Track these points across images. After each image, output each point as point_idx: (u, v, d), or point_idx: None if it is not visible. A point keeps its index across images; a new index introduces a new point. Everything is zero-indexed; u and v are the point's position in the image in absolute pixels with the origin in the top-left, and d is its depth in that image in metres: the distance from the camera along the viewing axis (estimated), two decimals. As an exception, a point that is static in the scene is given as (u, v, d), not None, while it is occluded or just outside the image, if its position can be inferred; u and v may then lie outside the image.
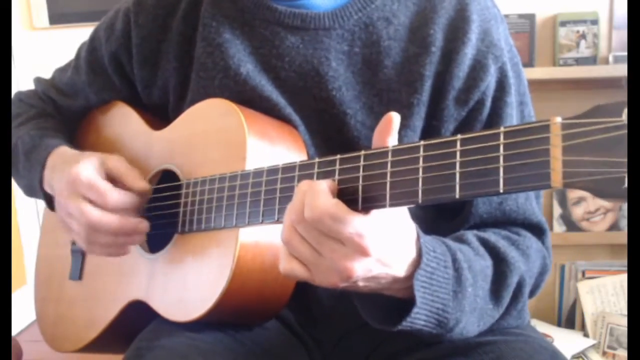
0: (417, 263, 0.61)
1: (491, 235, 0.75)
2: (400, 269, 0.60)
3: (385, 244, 0.58)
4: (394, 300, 0.64)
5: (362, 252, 0.56)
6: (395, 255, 0.59)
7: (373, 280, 0.60)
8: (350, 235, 0.56)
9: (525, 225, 0.80)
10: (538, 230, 0.81)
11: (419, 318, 0.63)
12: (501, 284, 0.71)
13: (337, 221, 0.55)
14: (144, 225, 0.80)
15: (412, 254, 0.61)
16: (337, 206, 0.56)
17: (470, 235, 0.73)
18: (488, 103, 0.79)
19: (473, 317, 0.68)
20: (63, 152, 0.89)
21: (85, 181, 0.78)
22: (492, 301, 0.71)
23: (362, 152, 0.60)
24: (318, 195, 0.56)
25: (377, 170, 0.58)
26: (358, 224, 0.56)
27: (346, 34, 0.79)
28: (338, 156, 0.63)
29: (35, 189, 0.91)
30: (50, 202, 0.89)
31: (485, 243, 0.73)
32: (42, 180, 0.89)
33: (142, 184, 0.82)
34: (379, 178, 0.58)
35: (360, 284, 0.60)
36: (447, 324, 0.65)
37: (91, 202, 0.78)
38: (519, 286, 0.74)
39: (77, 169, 0.79)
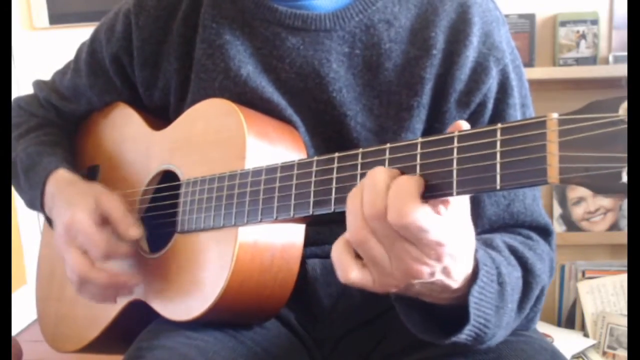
0: (471, 278, 0.60)
1: (515, 242, 0.74)
2: (457, 282, 0.58)
3: (456, 256, 0.56)
4: (436, 308, 0.63)
5: (437, 258, 0.54)
6: (459, 268, 0.58)
7: (427, 286, 0.58)
8: (430, 243, 0.53)
9: (532, 227, 0.80)
10: (545, 232, 0.81)
11: (464, 333, 0.62)
12: (526, 296, 0.71)
13: (424, 231, 0.52)
14: (133, 282, 0.81)
15: (469, 268, 0.60)
16: (426, 216, 0.52)
17: (499, 241, 0.72)
18: (490, 105, 0.79)
19: (504, 330, 0.68)
20: (61, 178, 0.89)
21: (80, 230, 0.79)
22: (517, 312, 0.70)
23: (360, 150, 0.60)
24: (408, 201, 0.52)
25: (374, 167, 0.58)
26: (442, 233, 0.53)
27: (347, 36, 0.79)
28: (336, 154, 0.63)
29: (37, 209, 0.92)
30: (51, 223, 0.91)
31: (514, 251, 0.72)
32: (44, 205, 0.90)
33: (134, 233, 0.81)
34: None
35: (415, 287, 0.58)
36: (484, 338, 0.64)
37: (85, 251, 0.80)
38: (539, 296, 0.74)
39: (72, 216, 0.80)
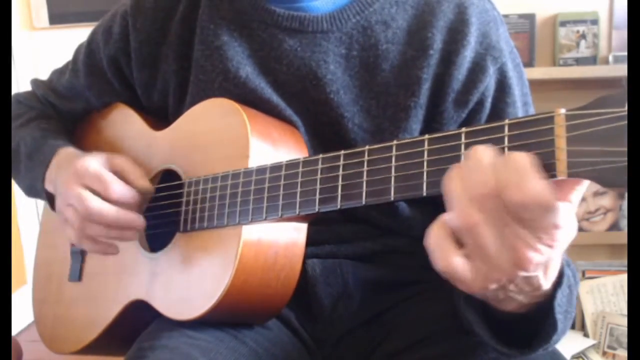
0: (556, 283, 0.57)
1: None
2: (549, 283, 0.55)
3: (561, 248, 0.51)
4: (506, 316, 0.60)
5: (549, 244, 0.49)
6: (554, 265, 0.54)
7: (520, 285, 0.54)
8: (547, 225, 0.48)
9: None
10: None
11: (550, 342, 0.60)
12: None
13: (546, 210, 0.47)
14: (140, 221, 0.80)
15: (558, 269, 0.56)
16: (549, 192, 0.47)
17: None
18: (487, 104, 0.79)
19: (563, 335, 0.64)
20: (69, 151, 0.89)
21: (91, 172, 0.79)
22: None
23: (367, 147, 0.61)
24: (529, 175, 0.47)
25: (381, 164, 0.58)
26: (561, 214, 0.48)
27: (344, 37, 0.79)
28: (342, 152, 0.63)
29: (37, 189, 0.91)
30: (51, 201, 0.89)
31: None
32: (45, 179, 0.89)
33: (144, 183, 0.82)
34: (384, 172, 0.58)
35: (511, 287, 0.54)
36: (547, 347, 0.62)
37: (94, 192, 0.79)
38: None
39: (83, 161, 0.80)
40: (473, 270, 0.51)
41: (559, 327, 0.60)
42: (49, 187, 0.89)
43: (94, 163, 0.80)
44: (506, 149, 0.51)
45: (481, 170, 0.49)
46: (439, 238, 0.51)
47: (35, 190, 0.92)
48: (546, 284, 0.55)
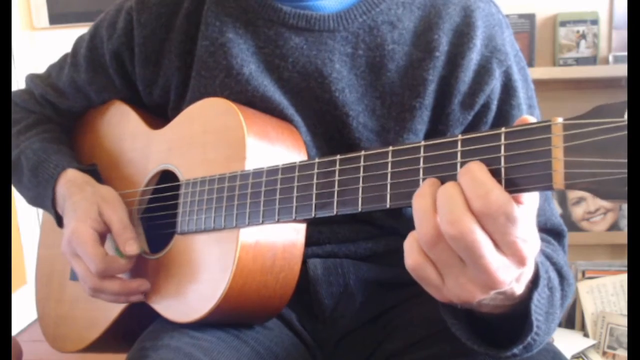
0: (531, 285, 0.57)
1: (542, 246, 0.72)
2: (522, 287, 0.55)
3: (532, 257, 0.51)
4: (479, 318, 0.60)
5: (521, 261, 0.50)
6: (528, 271, 0.54)
7: (493, 296, 0.54)
8: (515, 240, 0.49)
9: (547, 230, 0.79)
10: (559, 234, 0.80)
11: (523, 343, 0.59)
12: (563, 304, 0.68)
13: (510, 221, 0.48)
14: (144, 287, 0.81)
15: (532, 272, 0.56)
16: (512, 203, 0.48)
17: None
18: (494, 107, 0.80)
19: (549, 336, 0.64)
20: (72, 178, 0.89)
21: (79, 243, 0.80)
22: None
23: (362, 153, 0.60)
24: (491, 187, 0.48)
25: (377, 170, 0.58)
26: (526, 228, 0.49)
27: (350, 37, 0.80)
28: (338, 156, 0.62)
29: (44, 205, 0.92)
30: (60, 221, 0.90)
31: (548, 256, 0.69)
32: (56, 205, 0.90)
33: (130, 249, 0.80)
34: (380, 179, 0.58)
35: (484, 300, 0.54)
36: (532, 346, 0.61)
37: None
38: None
39: (73, 227, 0.81)
40: (440, 280, 0.52)
41: (541, 328, 0.60)
42: (59, 211, 0.89)
43: (82, 232, 0.80)
44: (502, 158, 0.50)
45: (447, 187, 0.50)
46: (411, 240, 0.53)
47: (42, 205, 0.93)
48: (519, 288, 0.55)
